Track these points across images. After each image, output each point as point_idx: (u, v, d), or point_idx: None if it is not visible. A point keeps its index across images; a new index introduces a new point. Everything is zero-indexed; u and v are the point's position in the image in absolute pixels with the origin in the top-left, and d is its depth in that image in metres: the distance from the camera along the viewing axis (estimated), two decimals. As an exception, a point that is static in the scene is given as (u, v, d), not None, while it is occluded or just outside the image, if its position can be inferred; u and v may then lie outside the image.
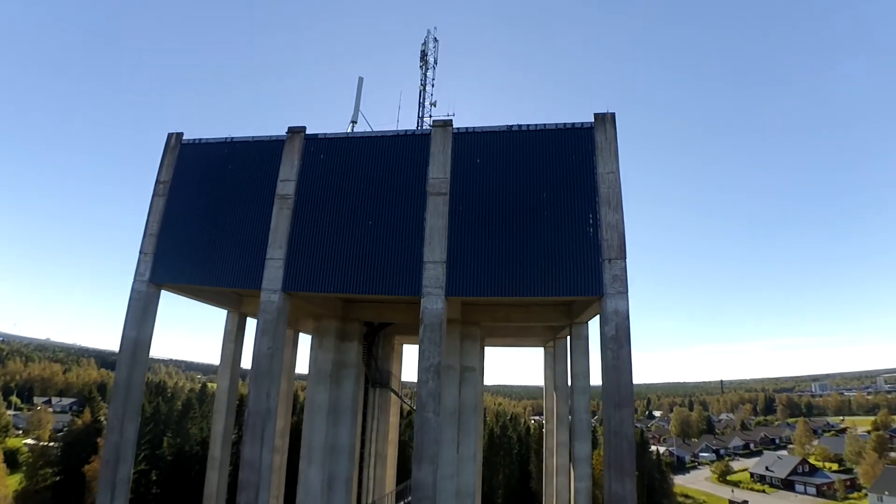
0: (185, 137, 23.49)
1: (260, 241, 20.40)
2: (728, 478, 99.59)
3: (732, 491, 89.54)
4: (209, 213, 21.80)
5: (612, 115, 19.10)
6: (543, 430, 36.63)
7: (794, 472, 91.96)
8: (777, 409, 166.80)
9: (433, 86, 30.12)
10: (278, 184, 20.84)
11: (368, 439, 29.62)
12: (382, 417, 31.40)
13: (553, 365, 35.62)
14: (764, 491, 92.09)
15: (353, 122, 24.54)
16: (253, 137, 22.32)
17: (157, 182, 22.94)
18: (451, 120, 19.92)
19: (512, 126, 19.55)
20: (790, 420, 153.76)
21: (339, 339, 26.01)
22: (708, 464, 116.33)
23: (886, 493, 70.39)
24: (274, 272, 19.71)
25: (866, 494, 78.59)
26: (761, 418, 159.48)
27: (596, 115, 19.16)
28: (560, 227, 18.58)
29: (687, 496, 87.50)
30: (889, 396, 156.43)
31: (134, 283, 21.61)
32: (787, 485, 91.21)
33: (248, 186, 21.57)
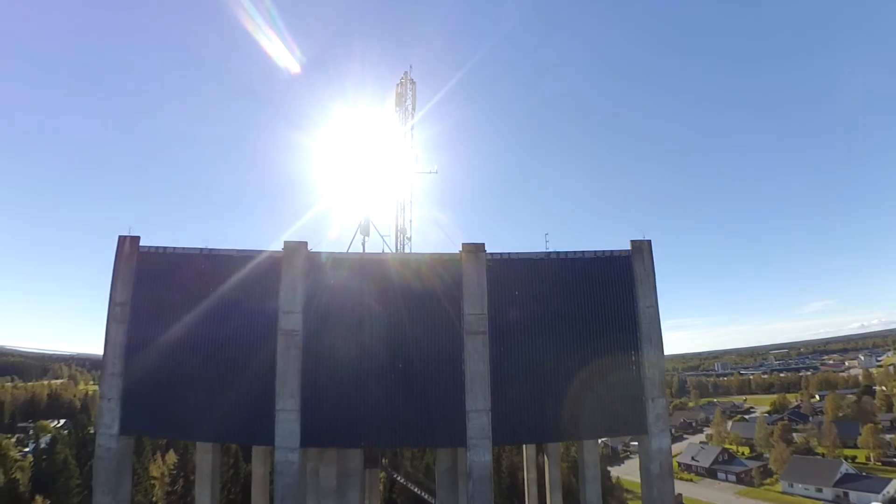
0: (142, 243, 20.39)
1: (262, 386, 18.47)
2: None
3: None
4: (186, 345, 19.23)
5: (649, 242, 19.81)
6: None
7: (715, 461, 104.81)
8: (689, 391, 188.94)
9: (413, 136, 28.51)
10: (280, 315, 18.93)
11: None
12: (373, 496, 30.94)
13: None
14: (691, 479, 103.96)
15: (364, 234, 22.81)
16: (239, 251, 19.98)
17: (113, 303, 19.75)
18: (482, 244, 19.39)
19: (550, 253, 19.53)
20: (701, 401, 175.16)
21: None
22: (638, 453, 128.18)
23: (801, 485, 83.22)
24: (288, 427, 18.05)
25: (777, 480, 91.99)
26: (677, 401, 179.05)
27: (633, 242, 19.75)
28: (603, 366, 19.07)
29: (627, 490, 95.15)
30: (781, 376, 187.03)
31: (99, 437, 18.69)
32: (711, 473, 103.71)
33: (237, 314, 19.32)
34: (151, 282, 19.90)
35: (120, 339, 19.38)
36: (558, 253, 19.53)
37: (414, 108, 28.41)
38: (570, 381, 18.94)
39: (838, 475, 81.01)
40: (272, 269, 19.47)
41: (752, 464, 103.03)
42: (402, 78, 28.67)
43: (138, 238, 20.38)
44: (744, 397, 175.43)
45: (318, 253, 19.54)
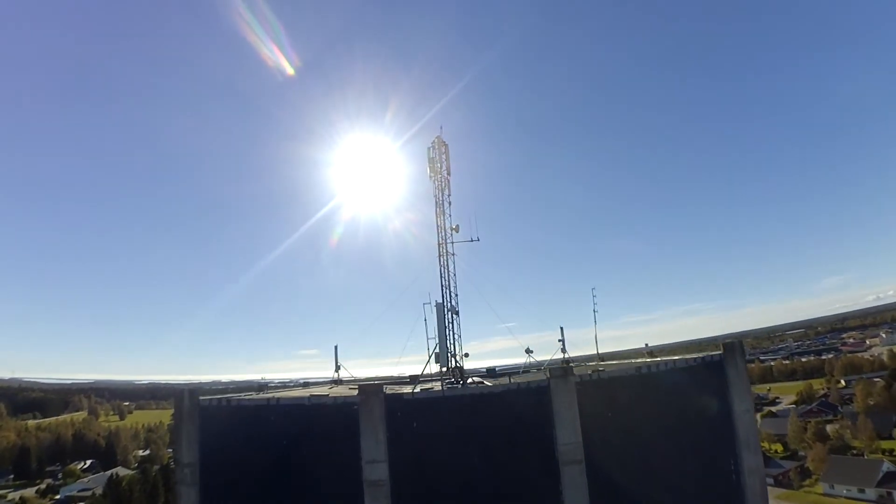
0: (202, 397, 20.20)
1: (354, 539, 18.42)
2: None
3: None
4: (264, 501, 19.13)
5: (740, 343, 20.06)
6: None
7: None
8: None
9: (450, 203, 27.00)
10: (364, 466, 18.74)
11: None
12: None
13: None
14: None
15: (443, 366, 22.67)
16: (310, 399, 19.83)
17: (180, 466, 19.50)
18: (570, 367, 19.48)
19: (640, 367, 19.63)
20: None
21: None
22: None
23: (842, 486, 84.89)
24: (389, 588, 17.98)
25: (817, 481, 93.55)
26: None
27: (724, 345, 19.92)
28: (702, 479, 19.24)
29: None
30: (803, 361, 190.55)
31: None
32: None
33: (315, 465, 19.11)
34: (217, 438, 19.61)
35: (192, 502, 19.15)
36: (648, 366, 19.63)
37: (449, 173, 27.82)
38: (670, 496, 19.08)
39: (880, 474, 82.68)
40: (348, 414, 19.27)
41: (789, 464, 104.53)
42: (434, 141, 28.14)
43: (197, 392, 20.19)
44: (767, 386, 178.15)
45: (398, 394, 19.41)
